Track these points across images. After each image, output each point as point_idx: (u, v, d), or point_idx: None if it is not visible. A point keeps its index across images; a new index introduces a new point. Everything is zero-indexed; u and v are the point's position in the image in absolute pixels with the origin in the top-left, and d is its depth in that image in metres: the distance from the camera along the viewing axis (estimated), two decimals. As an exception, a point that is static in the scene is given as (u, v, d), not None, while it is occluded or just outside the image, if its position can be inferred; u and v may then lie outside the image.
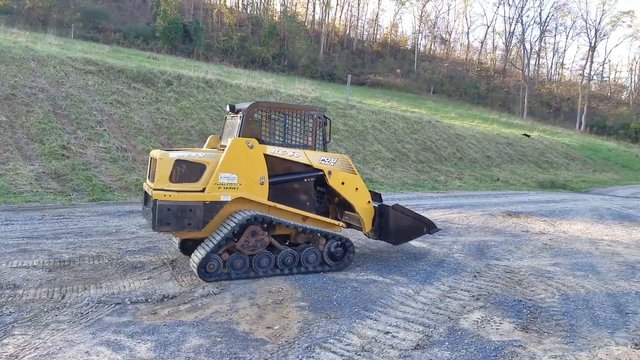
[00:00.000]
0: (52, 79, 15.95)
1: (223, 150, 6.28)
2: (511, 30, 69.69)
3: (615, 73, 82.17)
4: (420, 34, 74.01)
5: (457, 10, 77.74)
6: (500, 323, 5.15)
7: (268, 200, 6.28)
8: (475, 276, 6.86)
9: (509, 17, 70.47)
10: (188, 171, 5.90)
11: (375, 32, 73.68)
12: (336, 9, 67.78)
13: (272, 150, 6.35)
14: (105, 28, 37.89)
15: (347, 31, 68.73)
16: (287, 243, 6.69)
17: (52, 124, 13.88)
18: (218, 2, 54.36)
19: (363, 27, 72.46)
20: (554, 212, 13.98)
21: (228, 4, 54.53)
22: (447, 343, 4.57)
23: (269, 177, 6.30)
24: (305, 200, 6.74)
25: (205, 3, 53.74)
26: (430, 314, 5.28)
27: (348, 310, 5.26)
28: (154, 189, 5.77)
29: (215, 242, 5.80)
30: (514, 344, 4.64)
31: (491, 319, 5.25)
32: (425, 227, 7.57)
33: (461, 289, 6.21)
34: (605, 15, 66.18)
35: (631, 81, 79.10)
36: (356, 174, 6.98)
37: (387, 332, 4.73)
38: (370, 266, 7.07)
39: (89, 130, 14.38)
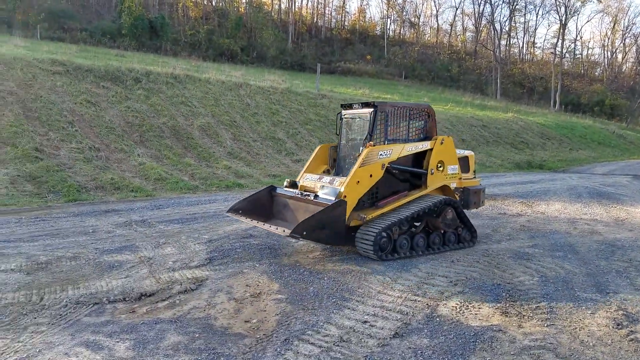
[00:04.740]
0: (20, 81, 15.65)
1: None
2: (480, 11, 70.27)
3: (588, 50, 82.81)
4: (388, 19, 74.04)
5: (425, -7, 77.69)
6: (480, 308, 5.17)
7: None
8: (452, 261, 6.90)
9: (478, -2, 70.70)
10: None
11: (343, 19, 73.37)
12: (302, -4, 67.42)
13: None
14: (71, 27, 36.91)
15: (315, 19, 68.32)
16: None
17: (24, 126, 13.67)
18: (182, -4, 53.39)
19: (330, 14, 72.04)
20: (531, 193, 14.08)
21: (193, -4, 53.60)
22: (426, 330, 4.60)
23: None
24: None
25: (169, -3, 52.79)
26: (408, 302, 5.29)
27: (325, 301, 5.27)
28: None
29: None
30: (494, 328, 4.66)
31: (470, 304, 5.27)
32: None
33: (439, 275, 6.25)
34: (575, -8, 66.61)
35: (604, 57, 79.62)
36: None
37: (365, 322, 4.74)
38: (347, 256, 7.07)
39: (60, 132, 14.21)
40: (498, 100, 52.78)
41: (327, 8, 70.70)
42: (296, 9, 64.84)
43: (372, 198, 7.38)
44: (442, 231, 7.58)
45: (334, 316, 4.89)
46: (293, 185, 7.80)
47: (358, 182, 6.87)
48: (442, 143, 7.92)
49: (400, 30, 76.30)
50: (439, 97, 42.32)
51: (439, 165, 7.86)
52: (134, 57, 26.20)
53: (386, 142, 7.43)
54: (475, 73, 65.46)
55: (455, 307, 5.21)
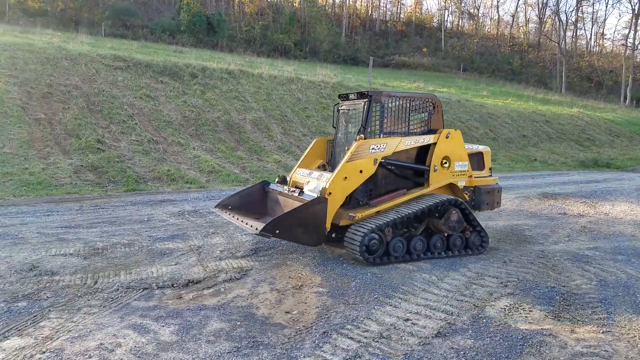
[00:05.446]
0: (84, 76, 16.58)
1: None
2: (544, 1, 66.86)
3: (664, 41, 76.53)
4: (446, 10, 72.06)
5: (485, -16, 74.81)
6: (530, 311, 4.94)
7: None
8: (505, 262, 6.64)
9: (542, -12, 67.22)
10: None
11: (398, 11, 72.06)
12: (358, -11, 66.79)
13: None
14: (133, 25, 38.71)
15: (370, 12, 67.62)
16: None
17: (87, 119, 14.50)
18: (239, -8, 54.48)
19: (385, 6, 71.03)
20: (595, 193, 13.36)
21: (249, -7, 54.60)
22: (470, 331, 4.45)
23: None
24: None
25: (226, -7, 54.01)
26: (454, 301, 5.13)
27: (367, 296, 5.22)
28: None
29: None
30: (544, 332, 4.43)
31: (520, 306, 5.05)
32: None
33: (489, 276, 6.02)
34: (650, -22, 61.52)
35: (682, 49, 73.80)
36: None
37: (407, 319, 4.64)
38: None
39: (121, 124, 14.93)
40: (563, 94, 49.99)
41: (382, 0, 69.81)
42: (350, 2, 64.48)
43: (369, 196, 6.86)
44: (446, 234, 6.90)
45: (375, 312, 4.83)
46: (283, 180, 7.52)
47: (346, 178, 6.35)
48: (447, 137, 7.12)
49: (458, 21, 74.10)
50: (499, 90, 40.75)
51: (444, 161, 7.15)
52: (192, 53, 27.08)
53: (381, 135, 6.85)
54: (539, 66, 62.19)
55: (504, 308, 4.98)
